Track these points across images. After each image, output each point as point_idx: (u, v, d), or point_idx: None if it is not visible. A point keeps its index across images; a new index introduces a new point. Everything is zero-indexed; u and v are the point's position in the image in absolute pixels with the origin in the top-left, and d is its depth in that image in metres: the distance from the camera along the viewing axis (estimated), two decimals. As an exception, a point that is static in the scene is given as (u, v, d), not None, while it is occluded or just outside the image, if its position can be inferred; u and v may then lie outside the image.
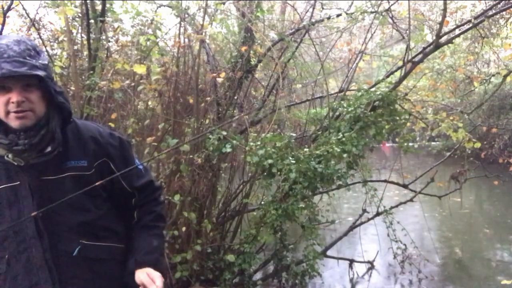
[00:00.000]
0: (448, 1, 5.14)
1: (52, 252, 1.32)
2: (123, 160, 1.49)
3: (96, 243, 1.40)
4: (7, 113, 1.26)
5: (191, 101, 3.66)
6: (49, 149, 1.33)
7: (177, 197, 3.16)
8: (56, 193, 1.32)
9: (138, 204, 1.54)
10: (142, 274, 1.41)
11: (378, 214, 4.28)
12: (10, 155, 1.30)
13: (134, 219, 1.53)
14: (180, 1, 3.80)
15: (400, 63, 4.58)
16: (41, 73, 1.24)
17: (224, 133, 3.45)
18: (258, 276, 4.04)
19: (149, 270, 1.42)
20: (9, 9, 3.06)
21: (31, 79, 1.26)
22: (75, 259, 1.35)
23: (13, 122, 1.27)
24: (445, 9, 4.16)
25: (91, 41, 3.34)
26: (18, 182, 1.32)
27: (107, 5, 3.51)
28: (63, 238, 1.34)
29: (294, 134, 4.28)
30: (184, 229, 3.36)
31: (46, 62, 1.30)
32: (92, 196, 1.41)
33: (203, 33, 3.81)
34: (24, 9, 3.60)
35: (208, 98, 3.85)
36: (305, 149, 3.63)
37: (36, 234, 1.31)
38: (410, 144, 4.83)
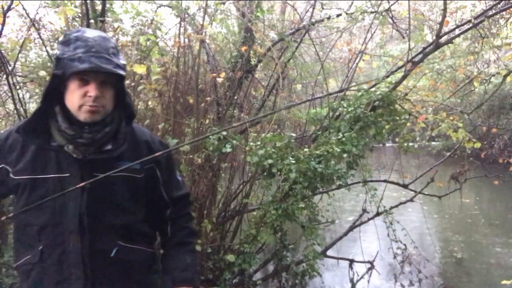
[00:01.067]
0: (448, 1, 5.14)
1: (89, 249, 1.31)
2: (168, 169, 1.50)
3: (131, 246, 1.41)
4: (81, 106, 1.26)
5: (191, 101, 3.65)
6: (109, 147, 1.33)
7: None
8: (106, 191, 1.32)
9: (172, 217, 1.53)
10: None
11: (378, 214, 4.27)
12: (70, 147, 1.29)
13: (167, 235, 1.53)
14: (180, 1, 3.80)
15: (400, 63, 4.58)
16: (123, 72, 1.27)
17: (224, 133, 3.45)
18: (258, 276, 4.03)
19: None
20: (9, 9, 3.05)
21: (109, 77, 1.27)
22: (110, 260, 1.35)
23: (83, 115, 1.27)
24: (445, 9, 4.16)
25: (91, 41, 3.33)
26: (68, 174, 1.31)
27: (107, 5, 3.50)
28: (102, 237, 1.34)
29: (294, 134, 4.27)
30: (184, 229, 3.35)
31: (125, 62, 1.32)
32: (137, 200, 1.42)
33: (203, 33, 3.81)
34: (24, 9, 3.58)
35: (208, 98, 3.85)
36: (305, 149, 3.62)
37: (77, 229, 1.30)
38: (410, 144, 4.83)
